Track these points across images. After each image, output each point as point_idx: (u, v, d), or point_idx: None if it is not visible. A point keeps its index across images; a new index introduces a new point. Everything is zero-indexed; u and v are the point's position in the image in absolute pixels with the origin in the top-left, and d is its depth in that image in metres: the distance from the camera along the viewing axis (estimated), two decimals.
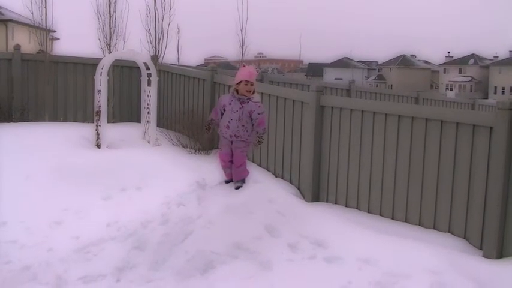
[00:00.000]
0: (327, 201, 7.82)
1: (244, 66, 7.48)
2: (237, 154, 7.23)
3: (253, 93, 7.18)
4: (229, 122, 7.18)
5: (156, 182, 7.78)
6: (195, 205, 6.96)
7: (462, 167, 6.19)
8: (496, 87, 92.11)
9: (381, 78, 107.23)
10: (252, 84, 7.14)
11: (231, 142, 7.24)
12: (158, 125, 10.72)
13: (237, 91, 7.19)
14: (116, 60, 10.59)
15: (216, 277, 5.55)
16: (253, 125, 7.22)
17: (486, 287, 5.14)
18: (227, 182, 7.52)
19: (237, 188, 7.24)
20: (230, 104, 7.19)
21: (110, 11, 11.99)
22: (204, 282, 5.47)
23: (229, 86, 8.15)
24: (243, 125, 7.16)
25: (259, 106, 7.18)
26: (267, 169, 8.96)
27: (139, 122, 11.06)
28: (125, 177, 7.94)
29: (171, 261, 5.82)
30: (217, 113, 7.46)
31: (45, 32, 12.05)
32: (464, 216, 6.17)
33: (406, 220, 6.76)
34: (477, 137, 6.03)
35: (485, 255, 5.79)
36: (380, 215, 7.08)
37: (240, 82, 7.13)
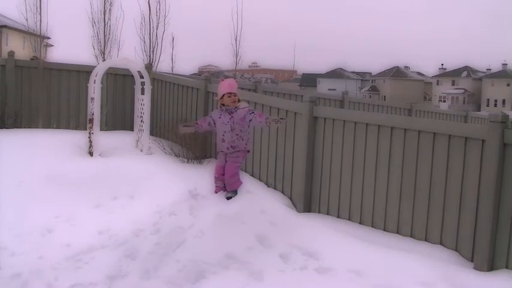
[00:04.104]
0: (319, 212, 7.82)
1: (222, 80, 7.60)
2: (229, 165, 7.25)
3: (238, 102, 7.24)
4: (223, 135, 7.23)
5: (148, 191, 7.75)
6: (187, 214, 6.95)
7: (454, 179, 6.22)
8: (488, 100, 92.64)
9: (374, 89, 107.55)
10: (235, 95, 7.21)
11: (226, 154, 7.29)
12: (151, 134, 10.70)
13: (223, 105, 7.26)
14: (109, 68, 10.57)
15: (206, 287, 5.55)
16: (248, 133, 7.29)
17: None
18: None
19: (228, 198, 7.24)
20: (220, 117, 7.27)
21: (104, 19, 12.00)
22: None
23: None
24: (237, 134, 7.19)
25: (248, 109, 7.22)
26: (259, 179, 8.96)
27: (132, 130, 11.04)
28: (117, 186, 7.91)
29: (162, 270, 5.81)
30: (204, 121, 7.58)
31: (39, 39, 12.02)
32: (455, 228, 6.19)
33: (398, 232, 6.77)
34: (469, 150, 6.06)
35: (476, 268, 5.80)
36: (372, 226, 7.09)
37: (223, 95, 7.20)
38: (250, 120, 7.13)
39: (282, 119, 7.16)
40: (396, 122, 6.99)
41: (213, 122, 7.39)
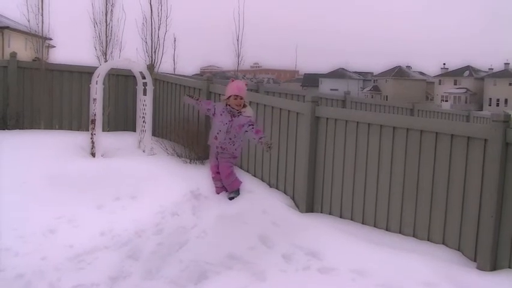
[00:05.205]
0: (321, 212, 7.81)
1: (233, 80, 7.58)
2: (221, 165, 7.28)
3: (244, 107, 7.22)
4: (217, 133, 7.23)
5: (151, 191, 7.76)
6: (189, 215, 6.96)
7: (456, 178, 6.20)
8: (490, 99, 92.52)
9: (376, 89, 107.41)
10: (241, 98, 7.18)
11: (218, 154, 7.29)
12: (153, 134, 10.72)
13: (228, 105, 7.24)
14: (111, 68, 10.59)
15: None
16: (241, 140, 7.32)
17: None
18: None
19: (231, 198, 7.24)
20: (221, 114, 7.26)
21: (106, 20, 12.02)
22: None
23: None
24: (230, 138, 7.20)
25: (249, 120, 7.21)
26: (262, 179, 8.95)
27: (135, 131, 11.06)
28: (119, 186, 7.93)
29: (164, 271, 5.81)
30: (207, 104, 7.68)
31: (41, 40, 12.04)
32: (458, 228, 6.18)
33: (400, 231, 6.76)
34: (471, 149, 6.04)
35: (479, 268, 5.79)
36: (374, 226, 7.08)
37: (230, 96, 7.19)
38: (246, 131, 7.15)
39: (271, 145, 6.94)
40: (398, 121, 6.97)
41: (214, 111, 7.39)
